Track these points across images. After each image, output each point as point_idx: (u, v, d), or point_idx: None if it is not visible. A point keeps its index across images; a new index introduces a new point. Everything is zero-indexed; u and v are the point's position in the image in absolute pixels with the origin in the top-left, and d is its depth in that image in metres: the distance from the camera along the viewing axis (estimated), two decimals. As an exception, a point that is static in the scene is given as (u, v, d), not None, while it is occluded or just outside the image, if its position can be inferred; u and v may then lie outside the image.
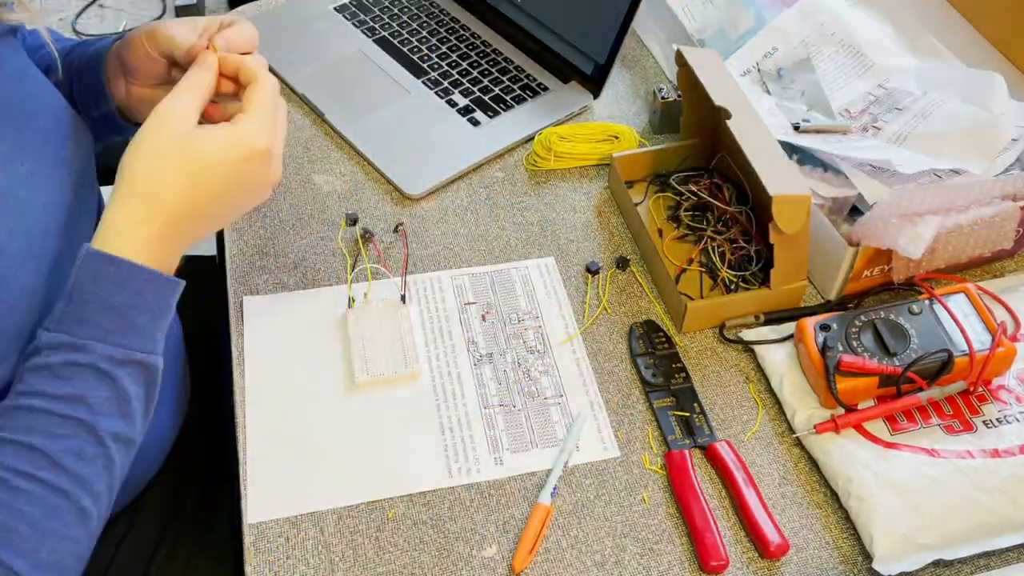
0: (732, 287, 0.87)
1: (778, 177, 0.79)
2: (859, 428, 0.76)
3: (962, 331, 0.78)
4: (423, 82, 1.09)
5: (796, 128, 0.94)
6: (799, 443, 0.78)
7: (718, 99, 0.85)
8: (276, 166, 0.69)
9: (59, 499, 0.59)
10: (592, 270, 0.90)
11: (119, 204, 0.63)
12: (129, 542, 0.84)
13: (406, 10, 1.19)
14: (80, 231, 0.71)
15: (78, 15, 2.60)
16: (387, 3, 1.20)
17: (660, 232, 0.93)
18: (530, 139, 1.03)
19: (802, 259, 0.84)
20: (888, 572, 0.68)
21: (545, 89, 1.09)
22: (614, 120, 1.07)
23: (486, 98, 1.08)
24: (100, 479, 0.61)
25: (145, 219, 0.63)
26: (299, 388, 0.81)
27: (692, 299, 0.85)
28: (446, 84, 1.09)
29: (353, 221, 0.93)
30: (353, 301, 0.86)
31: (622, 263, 0.91)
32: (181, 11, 2.50)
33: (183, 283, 0.65)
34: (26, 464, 0.58)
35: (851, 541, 0.72)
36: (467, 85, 1.09)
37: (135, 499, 0.85)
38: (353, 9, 1.19)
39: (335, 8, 1.19)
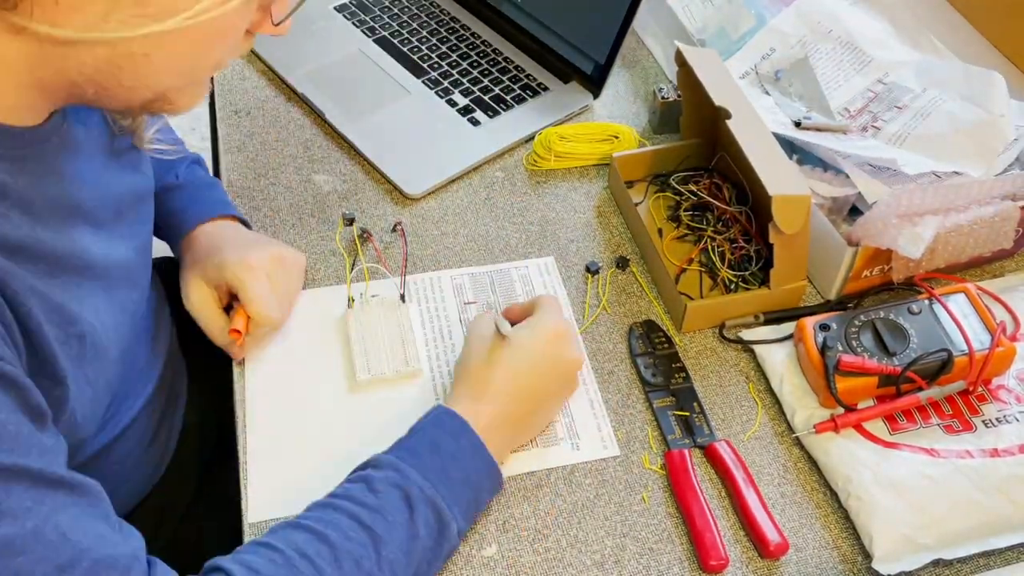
0: (732, 287, 0.87)
1: (778, 177, 0.79)
2: (859, 428, 0.76)
3: (961, 331, 0.78)
4: (423, 82, 1.09)
5: (797, 125, 0.94)
6: (799, 443, 0.78)
7: (718, 99, 0.85)
8: (576, 348, 0.77)
9: None
10: (592, 270, 0.90)
11: (460, 388, 0.74)
12: None
13: (406, 10, 1.19)
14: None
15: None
16: (387, 3, 1.20)
17: (660, 232, 0.93)
18: (530, 139, 1.03)
19: (802, 259, 0.84)
20: (887, 572, 0.69)
21: (545, 89, 1.09)
22: (614, 120, 1.07)
23: (486, 98, 1.08)
24: None
25: (479, 398, 0.72)
26: (299, 387, 0.81)
27: (692, 299, 0.86)
28: (446, 84, 1.09)
29: (350, 221, 0.93)
30: (353, 301, 0.86)
31: (622, 263, 0.91)
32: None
33: (503, 480, 0.72)
34: (312, 550, 0.61)
35: (850, 541, 0.73)
36: (467, 85, 1.09)
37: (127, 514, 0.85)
38: (353, 9, 1.19)
39: (335, 8, 1.19)
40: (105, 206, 0.67)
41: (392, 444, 0.69)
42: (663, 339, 0.85)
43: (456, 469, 0.68)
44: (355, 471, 0.68)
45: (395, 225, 0.93)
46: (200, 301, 0.80)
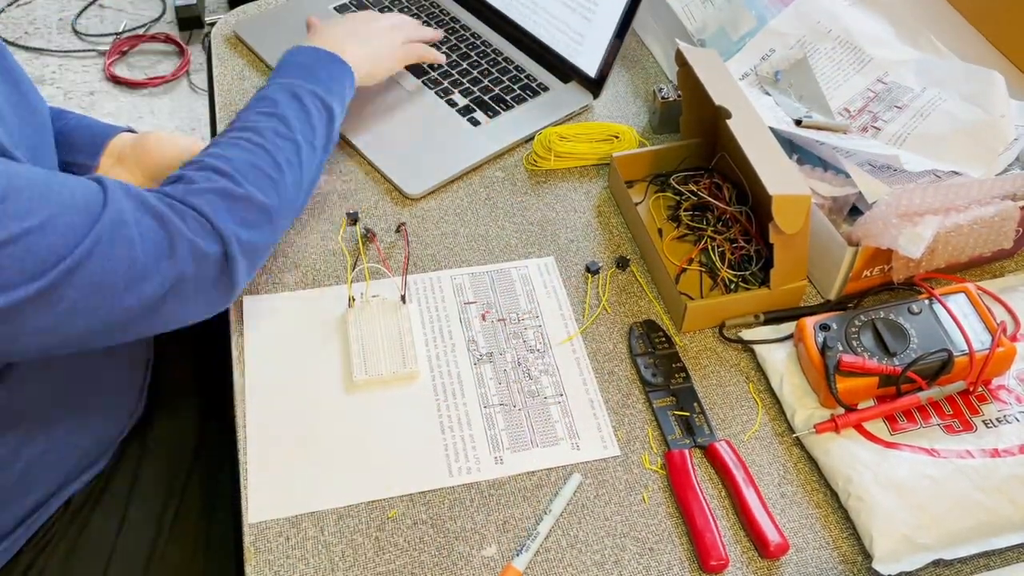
0: (732, 287, 0.87)
1: (778, 177, 0.79)
2: (859, 428, 0.76)
3: (962, 331, 0.78)
4: (423, 82, 1.09)
5: (798, 123, 0.94)
6: (799, 443, 0.78)
7: (718, 99, 0.85)
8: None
9: (263, 153, 0.79)
10: (592, 270, 0.90)
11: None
12: (128, 531, 0.85)
13: (406, 10, 1.19)
14: None
15: (78, 15, 2.60)
16: (387, 3, 1.20)
17: (660, 232, 0.93)
18: (530, 139, 1.03)
19: (802, 259, 0.84)
20: (887, 572, 0.68)
21: (545, 89, 1.09)
22: (614, 120, 1.07)
23: (486, 98, 1.08)
24: (290, 152, 0.81)
25: (327, 31, 0.98)
26: (299, 388, 0.81)
27: (692, 299, 0.85)
28: (446, 84, 1.09)
29: (354, 220, 0.93)
30: (353, 301, 0.86)
31: (622, 263, 0.91)
32: (181, 11, 2.51)
33: (355, 78, 0.94)
34: (239, 134, 0.81)
35: (851, 541, 0.73)
36: (467, 85, 1.09)
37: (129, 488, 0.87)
38: (353, 9, 1.19)
39: (335, 8, 1.19)
40: None
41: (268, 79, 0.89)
42: (663, 339, 0.85)
43: (320, 70, 0.90)
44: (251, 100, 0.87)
45: (398, 226, 0.93)
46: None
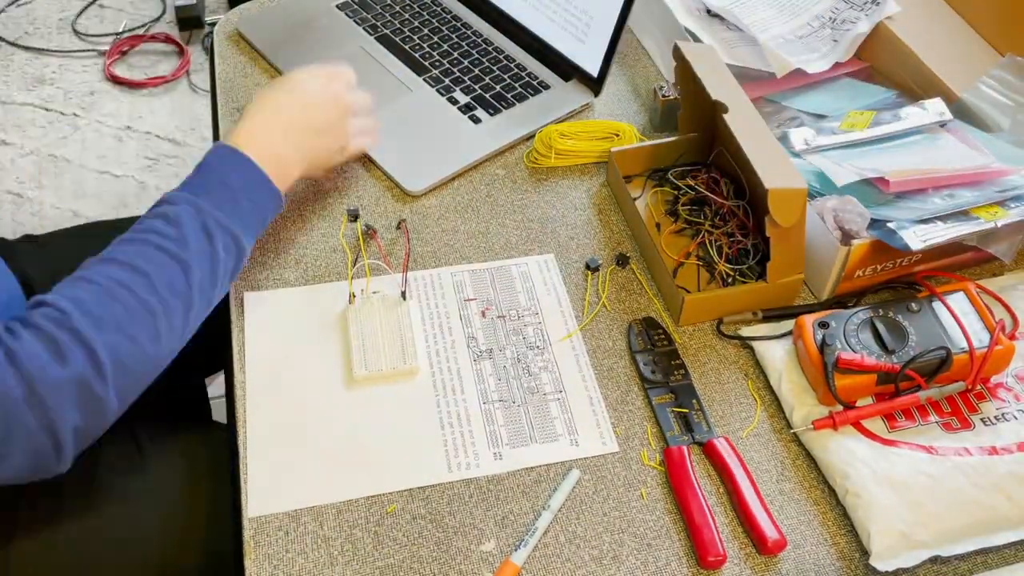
0: (729, 280, 0.87)
1: (774, 170, 0.79)
2: (857, 425, 0.76)
3: (961, 329, 0.78)
4: (425, 80, 1.09)
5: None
6: (797, 440, 0.78)
7: (715, 93, 0.85)
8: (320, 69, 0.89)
9: (146, 315, 0.68)
10: (592, 267, 0.90)
11: (247, 117, 0.82)
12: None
13: (408, 7, 1.20)
14: None
15: (78, 15, 2.60)
16: (389, 1, 1.21)
17: (658, 226, 0.93)
18: (531, 136, 1.04)
19: (798, 252, 0.84)
20: (885, 568, 0.69)
21: (546, 87, 1.09)
22: (615, 118, 1.08)
23: (487, 96, 1.08)
24: (178, 316, 0.70)
25: (242, 122, 0.81)
26: (299, 383, 0.81)
27: (689, 292, 0.86)
28: (447, 82, 1.09)
29: (355, 217, 0.94)
30: (354, 297, 0.86)
31: (622, 260, 0.91)
32: (181, 11, 2.51)
33: (284, 201, 0.81)
34: (128, 279, 0.68)
35: (848, 537, 0.73)
36: (468, 83, 1.09)
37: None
38: (355, 7, 1.19)
39: (337, 6, 1.20)
40: None
41: (183, 183, 0.77)
42: (662, 336, 0.85)
43: (245, 199, 0.77)
44: (151, 209, 0.74)
45: (399, 223, 0.94)
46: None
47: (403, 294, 0.87)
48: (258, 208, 0.78)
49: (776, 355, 0.82)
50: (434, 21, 1.18)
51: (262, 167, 0.78)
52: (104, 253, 0.70)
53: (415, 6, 1.20)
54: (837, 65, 1.06)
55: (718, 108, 0.85)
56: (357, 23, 1.17)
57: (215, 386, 1.29)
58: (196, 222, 0.72)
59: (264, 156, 0.79)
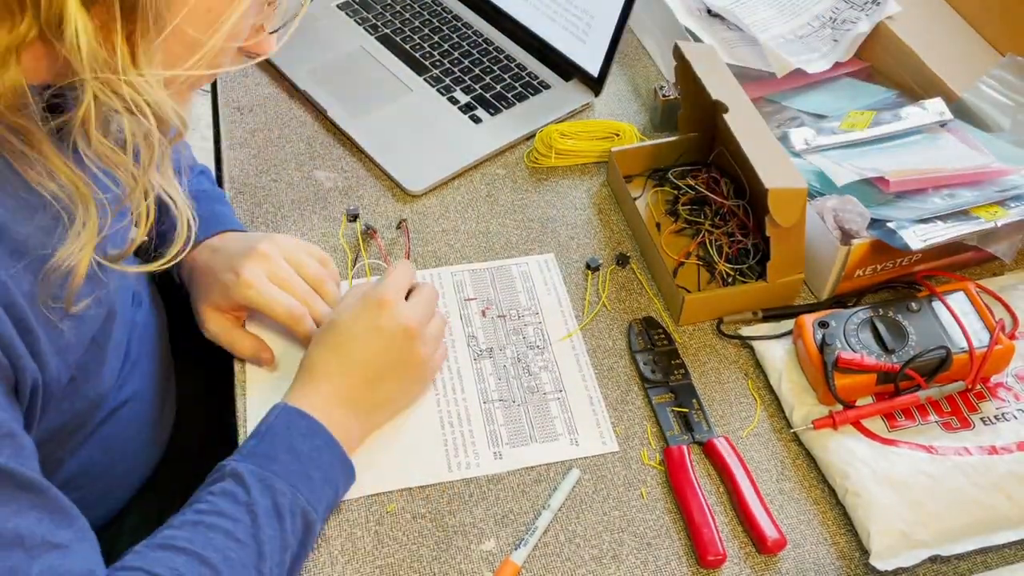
0: (729, 280, 0.87)
1: (774, 170, 0.79)
2: (857, 425, 0.76)
3: (961, 328, 0.78)
4: (425, 79, 1.10)
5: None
6: (797, 439, 0.78)
7: (715, 93, 0.85)
8: (403, 312, 0.76)
9: None
10: (592, 267, 0.90)
11: (296, 379, 0.75)
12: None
13: (408, 7, 1.20)
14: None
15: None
16: (389, 0, 1.21)
17: (658, 226, 0.93)
18: (531, 136, 1.04)
19: (798, 252, 0.84)
20: (885, 567, 0.69)
21: (547, 87, 1.09)
22: (615, 118, 1.08)
23: (488, 95, 1.08)
24: None
25: (308, 382, 0.74)
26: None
27: (689, 292, 0.86)
28: (448, 81, 1.09)
29: (354, 217, 0.94)
30: (354, 296, 0.86)
31: (622, 260, 0.91)
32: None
33: (355, 471, 0.72)
34: (195, 573, 0.61)
35: (848, 537, 0.73)
36: (469, 82, 1.09)
37: (118, 513, 0.84)
38: (356, 6, 1.20)
39: (338, 5, 1.20)
40: None
41: (243, 447, 0.69)
42: (662, 336, 0.85)
43: (315, 470, 0.69)
44: (213, 478, 0.67)
45: (400, 223, 0.94)
46: (221, 329, 0.81)
47: (403, 294, 0.87)
48: (330, 481, 0.70)
49: (776, 355, 0.82)
50: (435, 21, 1.18)
51: (326, 423, 0.71)
52: (168, 534, 0.63)
53: (415, 6, 1.20)
54: (837, 65, 1.07)
55: (718, 108, 0.85)
56: (358, 23, 1.17)
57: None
58: (267, 502, 0.65)
59: (323, 405, 0.72)
